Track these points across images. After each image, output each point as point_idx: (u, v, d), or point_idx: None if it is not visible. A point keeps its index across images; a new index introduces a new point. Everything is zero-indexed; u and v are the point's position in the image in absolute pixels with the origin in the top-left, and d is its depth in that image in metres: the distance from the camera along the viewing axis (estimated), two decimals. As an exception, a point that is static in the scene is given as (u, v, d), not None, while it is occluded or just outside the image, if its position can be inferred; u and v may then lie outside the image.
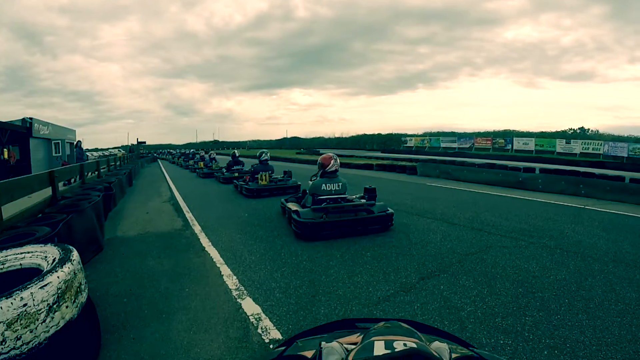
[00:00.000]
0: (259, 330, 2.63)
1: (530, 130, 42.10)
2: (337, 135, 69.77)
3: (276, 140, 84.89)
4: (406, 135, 49.16)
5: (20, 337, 1.78)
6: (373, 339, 0.63)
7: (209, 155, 18.61)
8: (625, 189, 8.75)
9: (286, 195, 7.76)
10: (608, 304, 2.99)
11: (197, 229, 5.91)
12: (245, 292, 3.34)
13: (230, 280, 3.62)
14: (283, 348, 0.83)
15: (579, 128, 40.58)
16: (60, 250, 2.42)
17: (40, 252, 2.45)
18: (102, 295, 3.30)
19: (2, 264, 2.34)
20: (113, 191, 7.85)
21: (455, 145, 41.03)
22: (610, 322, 2.68)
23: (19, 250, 2.49)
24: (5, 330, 1.72)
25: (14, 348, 1.75)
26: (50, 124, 21.03)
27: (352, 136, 64.62)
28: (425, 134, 47.68)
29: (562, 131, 40.91)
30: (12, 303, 1.75)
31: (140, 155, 33.71)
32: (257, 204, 8.22)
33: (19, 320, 1.77)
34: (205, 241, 5.14)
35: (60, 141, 22.17)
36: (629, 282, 3.46)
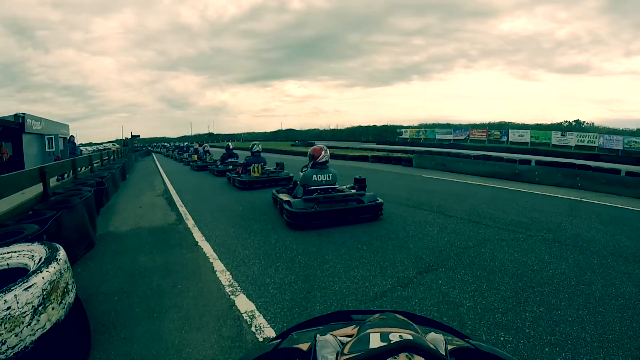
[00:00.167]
0: (253, 329, 2.56)
1: (526, 123, 42.05)
2: (332, 127, 69.13)
3: (271, 132, 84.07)
4: (401, 127, 48.87)
5: (5, 341, 1.72)
6: (368, 331, 0.63)
7: (203, 148, 18.45)
8: (621, 182, 8.76)
9: (278, 187, 7.74)
10: (608, 299, 2.95)
11: (190, 223, 5.82)
12: (238, 288, 3.26)
13: (224, 276, 3.55)
14: (278, 341, 0.82)
15: (574, 121, 40.58)
16: (46, 249, 2.34)
17: (27, 251, 2.37)
18: (92, 294, 3.21)
19: (-12, 265, 2.26)
20: (105, 186, 7.72)
21: (450, 136, 40.91)
22: (611, 318, 2.64)
23: (6, 249, 2.40)
24: (-11, 335, 1.64)
25: (-1, 353, 1.68)
26: (43, 119, 20.77)
27: (348, 128, 64.09)
28: (420, 126, 47.49)
29: (558, 123, 40.87)
30: (-5, 307, 1.67)
31: (134, 149, 33.37)
32: (250, 197, 8.17)
33: (3, 324, 1.70)
34: (198, 235, 5.06)
35: (53, 136, 21.86)
36: (628, 276, 3.42)
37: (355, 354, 0.56)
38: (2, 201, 3.99)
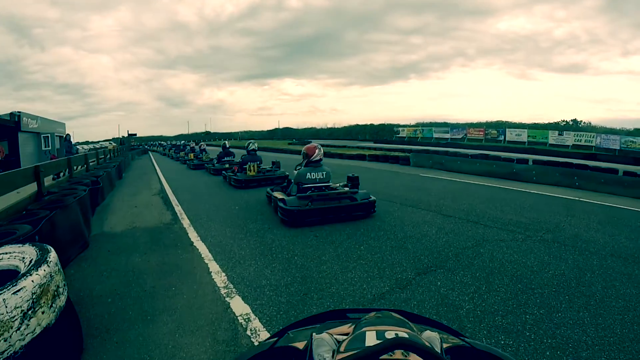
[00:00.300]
0: (248, 332, 2.51)
1: (523, 122, 42.18)
2: (329, 126, 68.94)
3: (268, 130, 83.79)
4: (399, 125, 48.83)
5: (-6, 346, 1.66)
6: (364, 329, 0.64)
7: (199, 147, 18.31)
8: (619, 182, 8.77)
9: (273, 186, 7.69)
10: (609, 300, 2.92)
11: (185, 222, 5.76)
12: (234, 290, 3.21)
13: (219, 278, 3.49)
14: (274, 339, 0.81)
15: (571, 120, 40.74)
16: (37, 251, 2.28)
17: (18, 252, 2.31)
18: (85, 296, 3.15)
19: (-21, 268, 2.20)
20: (101, 185, 7.63)
21: (447, 135, 40.90)
22: (612, 320, 2.61)
23: (-4, 252, 2.33)
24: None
25: (-12, 358, 1.63)
26: (39, 117, 20.63)
27: (345, 126, 63.96)
28: (417, 125, 47.49)
29: (555, 123, 41.02)
30: (-17, 312, 1.62)
31: (131, 148, 33.16)
32: (246, 195, 8.12)
33: (-9, 329, 1.65)
34: (193, 235, 5.00)
35: (49, 135, 21.71)
36: (628, 277, 3.39)
37: (351, 352, 0.55)
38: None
